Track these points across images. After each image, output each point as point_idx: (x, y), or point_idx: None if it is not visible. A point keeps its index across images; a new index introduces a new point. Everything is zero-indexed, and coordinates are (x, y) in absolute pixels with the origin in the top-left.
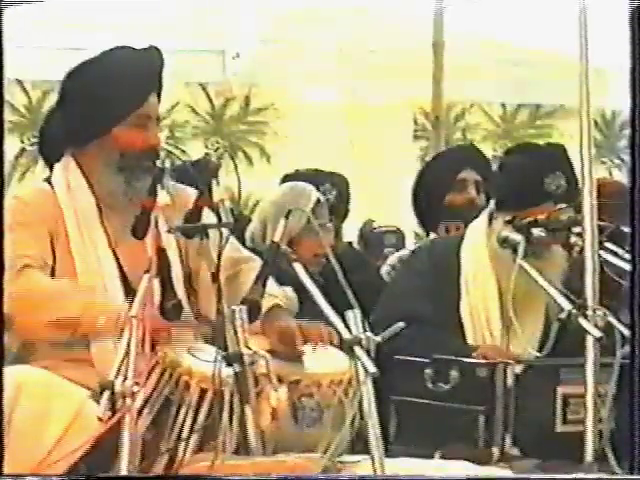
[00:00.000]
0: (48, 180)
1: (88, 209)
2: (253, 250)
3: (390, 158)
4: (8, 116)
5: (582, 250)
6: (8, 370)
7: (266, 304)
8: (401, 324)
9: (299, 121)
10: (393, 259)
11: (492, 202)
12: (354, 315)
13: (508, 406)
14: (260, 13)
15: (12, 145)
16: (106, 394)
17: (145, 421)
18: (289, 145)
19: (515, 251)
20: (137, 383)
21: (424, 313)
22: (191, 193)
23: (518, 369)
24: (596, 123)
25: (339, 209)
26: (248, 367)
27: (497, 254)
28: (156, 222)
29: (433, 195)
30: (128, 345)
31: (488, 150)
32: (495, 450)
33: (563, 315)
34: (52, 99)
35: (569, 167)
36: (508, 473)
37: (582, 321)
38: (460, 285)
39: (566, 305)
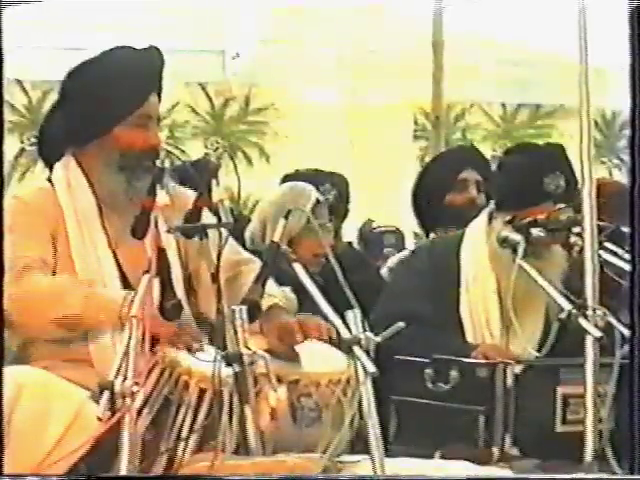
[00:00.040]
0: (49, 179)
1: (88, 209)
2: (253, 250)
3: (390, 158)
4: (8, 116)
5: (582, 250)
6: (8, 370)
7: (265, 304)
8: (401, 324)
9: (299, 121)
10: (393, 261)
11: (492, 202)
12: (354, 315)
13: (508, 406)
14: (260, 13)
15: (12, 145)
16: (106, 394)
17: (145, 421)
18: (289, 145)
19: (515, 251)
20: (137, 383)
21: (424, 313)
22: (190, 195)
23: (518, 369)
24: (596, 123)
25: (339, 209)
26: (247, 367)
27: (497, 254)
28: (156, 222)
29: (433, 195)
30: (128, 345)
31: (488, 150)
32: (495, 450)
33: (563, 315)
34: (52, 99)
35: (568, 167)
36: (508, 473)
37: (582, 321)
38: (460, 285)
39: (566, 305)
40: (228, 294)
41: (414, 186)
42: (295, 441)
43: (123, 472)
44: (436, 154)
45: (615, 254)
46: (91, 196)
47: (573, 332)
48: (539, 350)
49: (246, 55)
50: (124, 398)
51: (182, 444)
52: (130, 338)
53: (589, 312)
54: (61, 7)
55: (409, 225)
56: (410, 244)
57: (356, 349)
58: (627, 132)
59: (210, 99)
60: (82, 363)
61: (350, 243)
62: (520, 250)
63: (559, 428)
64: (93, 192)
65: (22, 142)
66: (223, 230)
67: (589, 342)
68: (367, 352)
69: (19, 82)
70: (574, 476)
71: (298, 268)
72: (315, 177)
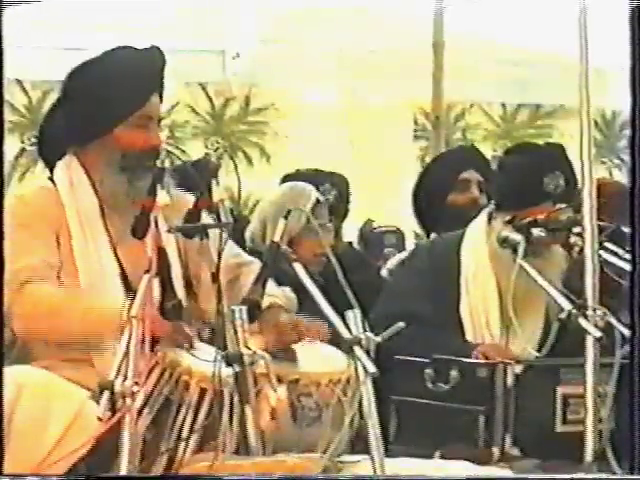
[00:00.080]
0: (50, 179)
1: (91, 208)
2: (253, 250)
3: (390, 158)
4: (8, 116)
5: (582, 250)
6: (8, 370)
7: (264, 303)
8: (401, 324)
9: (299, 121)
10: (393, 261)
11: (492, 202)
12: (354, 315)
13: (508, 406)
14: (260, 13)
15: (12, 145)
16: (106, 394)
17: (145, 421)
18: (289, 145)
19: (515, 251)
20: (137, 383)
21: (424, 313)
22: (190, 199)
23: (518, 369)
24: (596, 123)
25: (339, 209)
26: (248, 367)
27: (497, 254)
28: (156, 222)
29: (435, 195)
30: (128, 345)
31: (488, 150)
32: (495, 450)
33: (563, 315)
34: (52, 99)
35: (568, 167)
36: (508, 473)
37: (582, 321)
38: (460, 285)
39: (566, 305)
40: (228, 295)
41: (415, 186)
42: (295, 441)
43: (123, 472)
44: (436, 154)
45: (615, 254)
46: (93, 195)
47: (573, 332)
48: (539, 350)
49: (246, 55)
50: (124, 398)
51: (182, 444)
52: (130, 338)
53: (589, 312)
54: (61, 7)
55: (409, 225)
56: (410, 244)
57: (356, 349)
58: (627, 132)
59: (210, 99)
60: (82, 363)
61: (350, 243)
62: (520, 250)
63: (559, 428)
64: (95, 192)
65: (22, 142)
66: (223, 230)
67: (589, 342)
68: (367, 352)
69: (19, 82)
70: (574, 476)
71: (298, 268)
72: (315, 177)
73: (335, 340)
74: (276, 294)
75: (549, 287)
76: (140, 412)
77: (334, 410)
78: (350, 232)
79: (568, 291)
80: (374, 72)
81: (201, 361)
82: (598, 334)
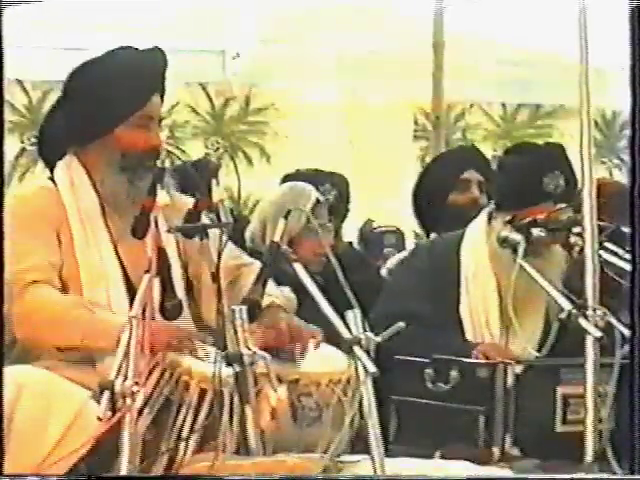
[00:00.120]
0: (51, 179)
1: (92, 208)
2: (253, 250)
3: (390, 158)
4: (8, 116)
5: (582, 250)
6: (8, 370)
7: (263, 303)
8: (401, 324)
9: (299, 121)
10: (393, 262)
11: (492, 202)
12: (354, 315)
13: (508, 406)
14: (260, 13)
15: (12, 145)
16: (106, 394)
17: (145, 421)
18: (289, 145)
19: (515, 251)
20: (137, 383)
21: (423, 312)
22: (190, 199)
23: (518, 369)
24: (596, 123)
25: (339, 209)
26: (248, 367)
27: (497, 254)
28: (156, 222)
29: (435, 196)
30: (128, 345)
31: (488, 150)
32: (495, 450)
33: (563, 315)
34: (52, 99)
35: (568, 166)
36: (508, 473)
37: (582, 321)
38: (460, 285)
39: (566, 305)
40: (228, 295)
41: (415, 186)
42: (295, 441)
43: (123, 472)
44: (436, 154)
45: (615, 254)
46: (94, 195)
47: (573, 332)
48: (539, 350)
49: (246, 55)
50: (124, 398)
51: (182, 444)
52: (130, 338)
53: (589, 312)
54: (61, 7)
55: (409, 225)
56: (410, 244)
57: (356, 349)
58: (627, 132)
59: (210, 99)
60: (83, 363)
61: (350, 243)
62: (520, 250)
63: (559, 428)
64: (96, 191)
65: (22, 142)
66: (223, 230)
67: (589, 342)
68: (367, 352)
69: (19, 82)
70: (574, 476)
71: (298, 268)
72: (315, 177)
73: (335, 340)
74: (275, 294)
75: (549, 287)
76: (140, 412)
77: (334, 410)
78: (350, 232)
79: (568, 291)
80: (374, 72)
81: (201, 361)
82: (598, 334)
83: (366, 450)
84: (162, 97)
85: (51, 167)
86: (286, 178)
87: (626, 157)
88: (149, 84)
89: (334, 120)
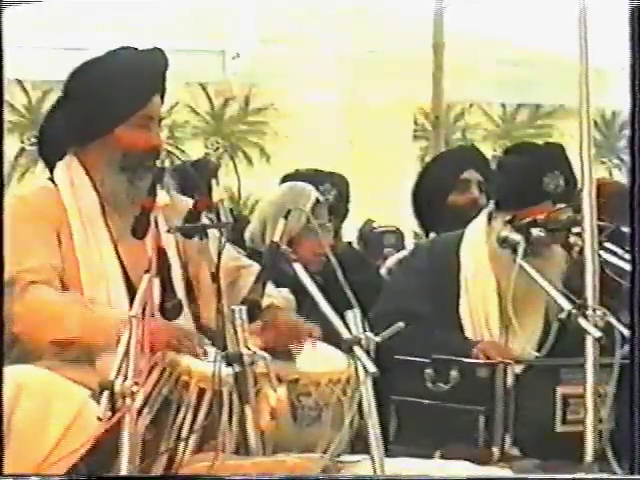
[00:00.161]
0: (51, 179)
1: (92, 208)
2: (253, 250)
3: (390, 158)
4: (8, 116)
5: (582, 250)
6: (8, 370)
7: (263, 304)
8: (401, 324)
9: (299, 121)
10: (392, 260)
11: (491, 202)
12: (354, 315)
13: (508, 406)
14: (260, 13)
15: (12, 145)
16: (106, 394)
17: (145, 421)
18: (289, 145)
19: (515, 251)
20: (137, 383)
21: (423, 312)
22: (189, 201)
23: (518, 369)
24: (596, 123)
25: (339, 209)
26: (248, 367)
27: (497, 254)
28: (156, 222)
29: (435, 196)
30: (128, 345)
31: (488, 150)
32: (495, 450)
33: (563, 315)
34: (52, 99)
35: (568, 166)
36: (508, 473)
37: (582, 321)
38: (459, 285)
39: (566, 305)
40: (228, 296)
41: (414, 186)
42: (295, 441)
43: (123, 472)
44: (436, 154)
45: (615, 254)
46: (94, 195)
47: (573, 332)
48: (539, 350)
49: (246, 55)
50: (124, 398)
51: (182, 444)
52: (130, 338)
53: (589, 312)
54: (61, 7)
55: (409, 225)
56: (410, 244)
57: (356, 349)
58: (627, 132)
59: (210, 99)
60: (83, 363)
61: (350, 243)
62: (520, 250)
63: (559, 428)
64: (96, 191)
65: (22, 142)
66: (223, 230)
67: (589, 342)
68: (367, 352)
69: (19, 82)
70: (574, 476)
71: (298, 268)
72: (315, 177)
73: (335, 340)
74: (274, 295)
75: (549, 287)
76: (140, 412)
77: (334, 410)
78: (350, 232)
79: (568, 291)
80: (374, 72)
81: (201, 361)
82: (598, 334)
83: (366, 450)
84: (162, 97)
85: (51, 167)
86: (286, 178)
87: (626, 157)
88: (150, 84)
89: (334, 120)
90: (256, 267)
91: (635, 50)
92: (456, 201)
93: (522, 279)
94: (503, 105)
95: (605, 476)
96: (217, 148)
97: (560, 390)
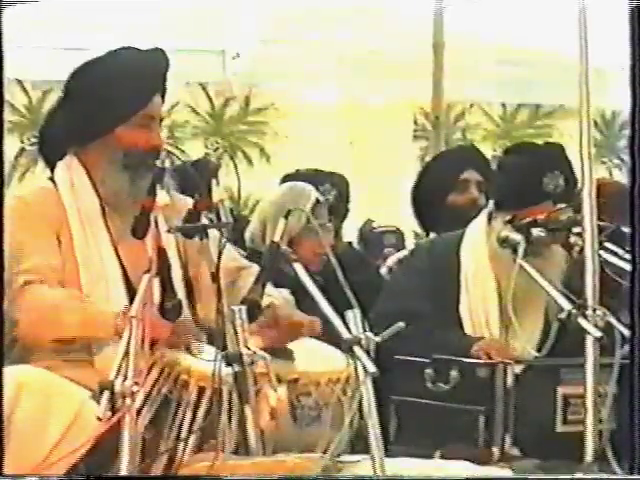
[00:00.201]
0: (51, 179)
1: (92, 208)
2: (253, 250)
3: (390, 158)
4: (8, 116)
5: (582, 250)
6: (8, 370)
7: (263, 303)
8: (401, 324)
9: (299, 121)
10: (392, 260)
11: (491, 202)
12: (354, 315)
13: (508, 406)
14: (260, 13)
15: (12, 145)
16: (106, 394)
17: (144, 420)
18: (289, 145)
19: (515, 251)
20: (137, 383)
21: (423, 312)
22: (189, 201)
23: (518, 369)
24: (596, 123)
25: (339, 209)
26: (247, 367)
27: (497, 254)
28: (156, 222)
29: (434, 195)
30: (128, 345)
31: (488, 150)
32: (495, 450)
33: (563, 315)
34: (52, 99)
35: (568, 166)
36: (508, 473)
37: (582, 321)
38: (459, 284)
39: (566, 305)
40: (228, 296)
41: (414, 186)
42: (295, 441)
43: (123, 472)
44: (436, 154)
45: (615, 254)
46: (94, 195)
47: (573, 332)
48: (539, 350)
49: (246, 55)
50: (124, 398)
51: (182, 444)
52: (130, 338)
53: (589, 312)
54: (61, 7)
55: (409, 225)
56: (410, 244)
57: (356, 349)
58: (627, 132)
59: (210, 99)
60: (83, 363)
61: (350, 243)
62: (520, 250)
63: (559, 428)
64: (96, 191)
65: (22, 142)
66: (223, 230)
67: (589, 342)
68: (367, 352)
69: (19, 82)
70: (574, 476)
71: (298, 268)
72: (315, 177)
73: (335, 340)
74: (273, 295)
75: (549, 287)
76: (140, 412)
77: (334, 410)
78: (350, 232)
79: (568, 291)
80: (374, 72)
81: (200, 360)
82: (598, 334)
83: (366, 450)
84: (163, 97)
85: (51, 167)
86: (286, 178)
87: (626, 157)
88: (151, 84)
89: (334, 120)
90: (256, 268)
91: (635, 50)
92: (456, 201)
93: (522, 279)
94: (503, 105)
95: (605, 476)
96: (217, 148)
97: (560, 390)
